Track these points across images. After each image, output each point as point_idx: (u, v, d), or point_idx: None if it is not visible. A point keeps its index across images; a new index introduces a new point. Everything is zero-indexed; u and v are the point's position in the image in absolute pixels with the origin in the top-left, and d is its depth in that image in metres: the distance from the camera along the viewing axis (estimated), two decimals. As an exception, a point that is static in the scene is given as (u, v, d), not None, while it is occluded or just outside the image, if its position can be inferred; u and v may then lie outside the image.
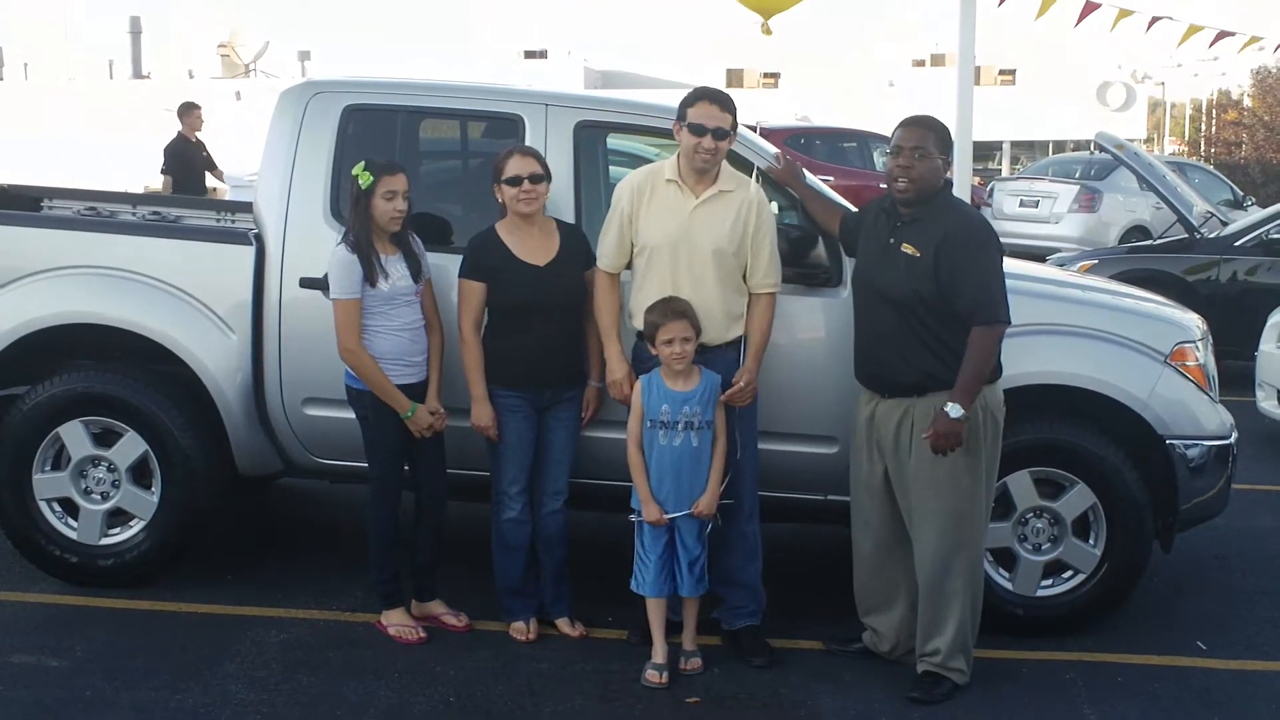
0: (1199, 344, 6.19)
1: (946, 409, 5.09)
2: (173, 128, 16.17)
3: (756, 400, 5.63)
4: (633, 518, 5.56)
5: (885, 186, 5.55)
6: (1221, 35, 7.29)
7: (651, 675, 5.45)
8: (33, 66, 61.43)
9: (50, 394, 6.15)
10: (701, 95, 5.52)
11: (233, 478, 6.37)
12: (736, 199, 5.54)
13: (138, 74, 60.97)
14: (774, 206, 6.56)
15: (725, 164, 5.61)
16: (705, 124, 5.43)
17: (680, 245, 5.48)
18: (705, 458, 5.48)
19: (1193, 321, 6.39)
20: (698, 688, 5.40)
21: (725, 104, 5.50)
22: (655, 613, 5.55)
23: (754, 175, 5.76)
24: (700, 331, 5.43)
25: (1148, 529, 5.95)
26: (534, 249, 5.65)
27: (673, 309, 5.38)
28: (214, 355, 6.10)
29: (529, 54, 61.74)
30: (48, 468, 6.23)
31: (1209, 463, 6.02)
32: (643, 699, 5.30)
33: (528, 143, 5.98)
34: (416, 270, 5.65)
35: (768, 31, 5.88)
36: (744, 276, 5.59)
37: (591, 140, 6.35)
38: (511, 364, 5.65)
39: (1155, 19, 7.09)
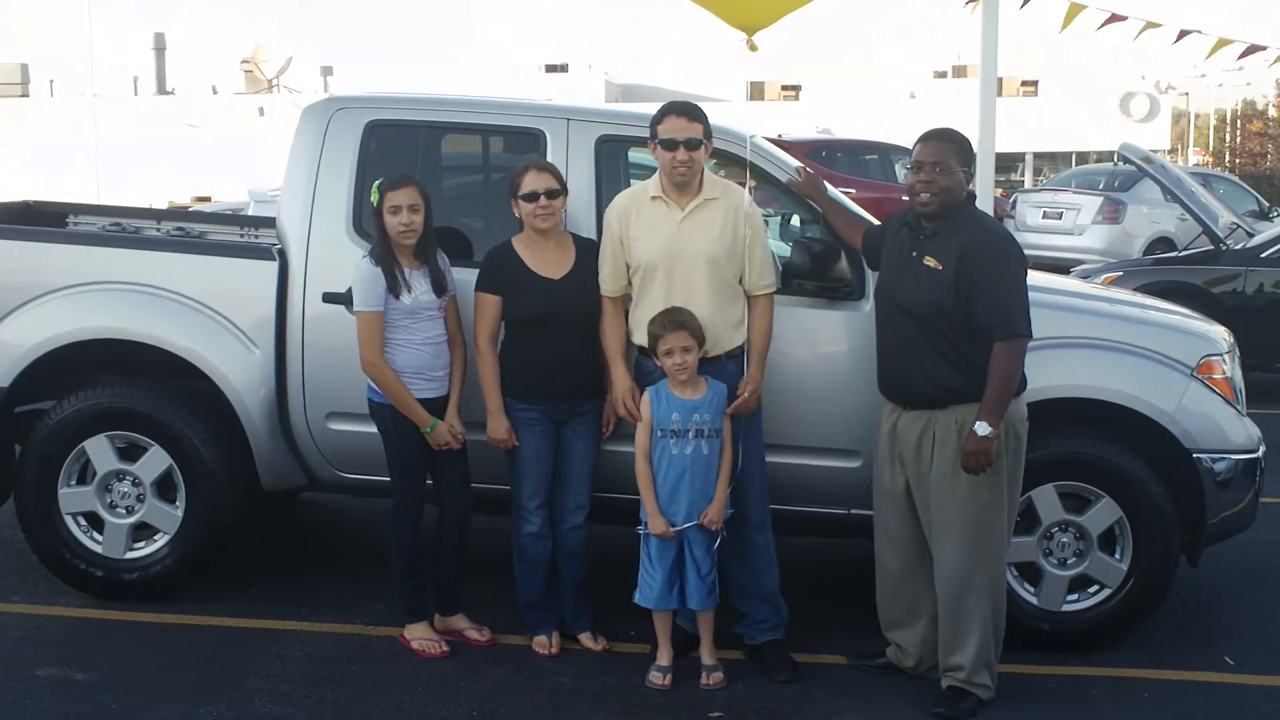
0: (1226, 356, 6.15)
1: (975, 428, 5.08)
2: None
3: (761, 410, 5.64)
4: (640, 530, 5.56)
5: (907, 199, 5.55)
6: (1251, 49, 7.25)
7: (655, 677, 5.49)
8: (58, 83, 61.80)
9: (76, 409, 6.18)
10: (669, 110, 5.56)
11: (256, 492, 6.38)
12: (723, 205, 5.57)
13: (162, 90, 61.33)
14: (796, 220, 6.58)
15: (708, 173, 5.65)
16: (676, 137, 5.46)
17: (674, 259, 5.51)
18: (715, 466, 5.49)
19: (1219, 334, 6.35)
20: (720, 702, 5.38)
21: (693, 114, 5.54)
22: (660, 620, 5.58)
23: (746, 188, 5.75)
24: (704, 340, 5.43)
25: (1174, 543, 5.91)
26: (549, 263, 5.67)
27: (672, 320, 5.40)
28: (237, 370, 6.12)
29: (550, 68, 61.92)
30: (73, 482, 6.25)
31: (1236, 476, 5.97)
32: (665, 714, 5.28)
33: (549, 157, 6.00)
34: (440, 285, 5.67)
35: (753, 48, 5.86)
36: (739, 281, 5.60)
37: (613, 154, 6.36)
38: (527, 376, 5.66)
39: (1184, 32, 7.05)
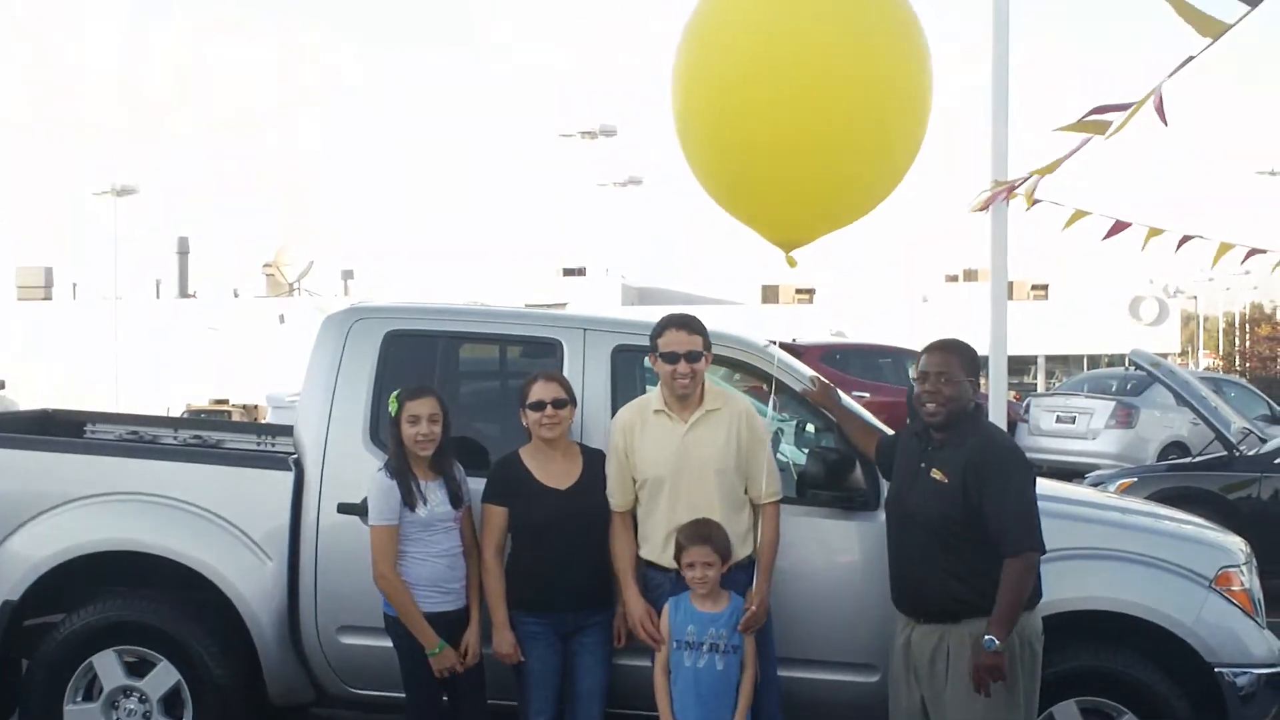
0: (1243, 568, 6.10)
1: (983, 642, 5.02)
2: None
3: (771, 621, 5.59)
4: None
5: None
6: (1253, 253, 7.32)
7: None
8: (81, 286, 62.86)
9: (85, 622, 6.13)
10: (668, 323, 5.65)
11: (264, 707, 6.28)
12: (726, 415, 5.61)
13: (184, 293, 62.29)
14: (810, 428, 6.61)
15: (709, 384, 5.71)
16: (676, 350, 5.54)
17: (680, 472, 5.53)
18: (731, 683, 5.41)
19: (1236, 544, 6.31)
20: None
21: (692, 327, 5.63)
22: None
23: (770, 400, 5.79)
24: (728, 555, 5.41)
25: (1199, 760, 5.77)
26: (556, 473, 5.68)
27: (697, 533, 5.40)
28: (249, 582, 6.09)
29: (568, 271, 62.77)
30: (79, 698, 6.14)
31: (1259, 691, 5.87)
32: None
33: (566, 366, 6.06)
34: (457, 497, 5.67)
35: (793, 264, 5.99)
36: (745, 491, 5.62)
37: (629, 363, 6.43)
38: (531, 587, 5.61)
39: (1186, 238, 7.12)
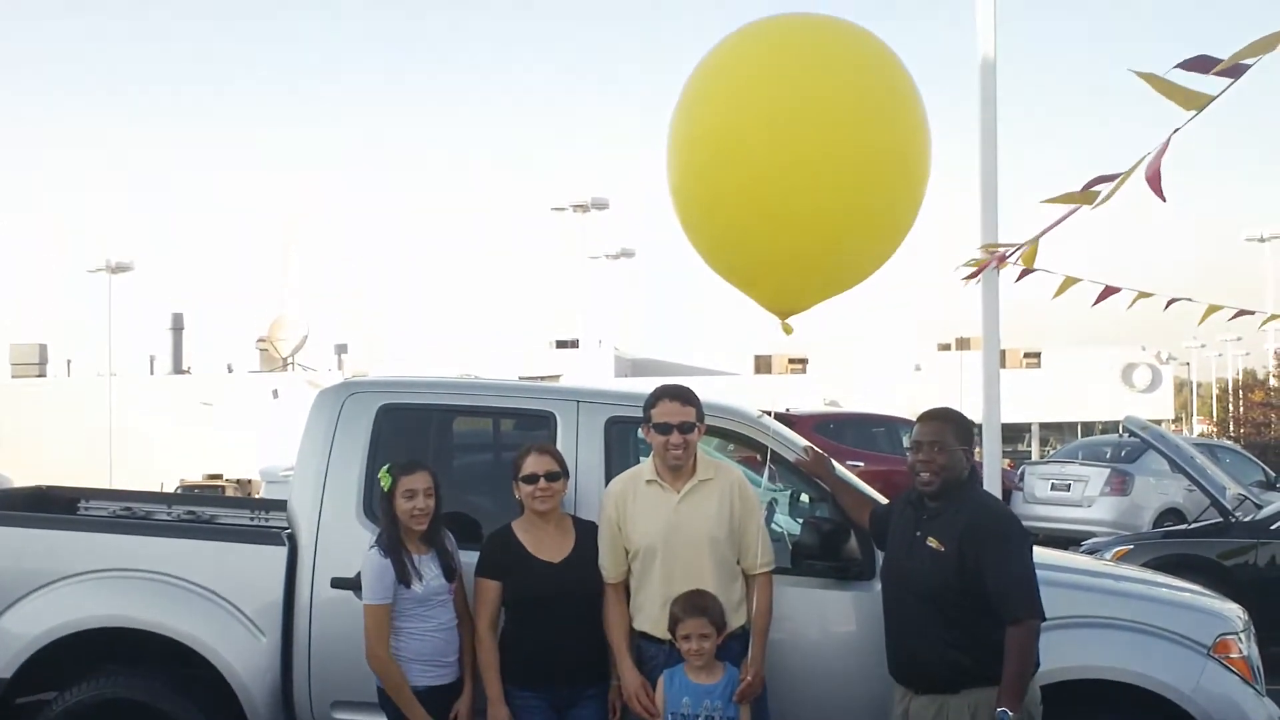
0: (1242, 635, 6.09)
1: (996, 715, 4.99)
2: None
3: (766, 692, 5.57)
4: None
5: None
6: (1241, 313, 7.39)
7: None
8: (76, 363, 62.90)
9: (78, 699, 6.09)
10: (661, 395, 5.66)
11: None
12: (717, 485, 5.62)
13: (178, 369, 62.29)
14: (805, 498, 6.61)
15: (701, 454, 5.71)
16: (670, 421, 5.56)
17: (672, 541, 5.53)
18: None
19: (1234, 612, 6.29)
20: None
21: (686, 398, 5.64)
22: None
23: (765, 469, 5.81)
24: (724, 626, 5.39)
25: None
26: (549, 546, 5.67)
27: (693, 605, 5.38)
28: (242, 657, 6.06)
29: (561, 343, 62.80)
30: (70, 780, 6.10)
31: (1260, 760, 5.83)
32: None
33: (560, 438, 6.07)
34: (450, 568, 5.66)
35: (788, 330, 6.05)
36: (738, 561, 5.62)
37: (623, 435, 6.44)
38: (526, 660, 5.59)
39: (1172, 300, 7.19)
